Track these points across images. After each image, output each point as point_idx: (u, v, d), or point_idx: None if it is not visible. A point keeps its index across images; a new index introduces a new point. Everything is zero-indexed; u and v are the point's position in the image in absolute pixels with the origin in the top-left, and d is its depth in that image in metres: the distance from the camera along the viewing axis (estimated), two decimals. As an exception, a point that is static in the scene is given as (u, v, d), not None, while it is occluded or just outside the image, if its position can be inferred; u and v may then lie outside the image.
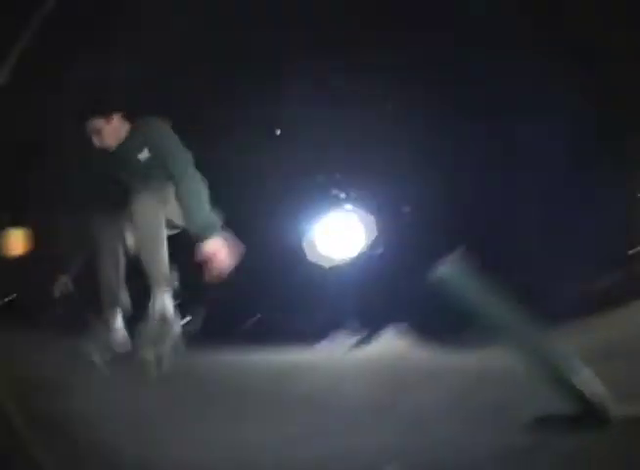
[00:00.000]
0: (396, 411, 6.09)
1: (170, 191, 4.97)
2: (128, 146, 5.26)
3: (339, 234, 6.49)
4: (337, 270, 7.01)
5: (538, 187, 9.01)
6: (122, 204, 4.93)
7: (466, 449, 4.34)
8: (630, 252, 9.89)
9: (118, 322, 5.03)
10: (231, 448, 4.73)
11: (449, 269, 4.76)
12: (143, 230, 4.90)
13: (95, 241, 5.08)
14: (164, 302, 4.89)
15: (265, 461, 4.55)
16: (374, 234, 6.16)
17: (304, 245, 6.33)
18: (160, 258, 4.94)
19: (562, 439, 4.21)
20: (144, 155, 5.14)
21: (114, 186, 5.12)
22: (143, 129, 5.19)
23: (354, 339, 16.47)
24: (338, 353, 15.21)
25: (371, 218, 6.47)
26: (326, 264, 6.73)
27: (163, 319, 4.84)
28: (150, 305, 4.83)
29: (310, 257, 6.41)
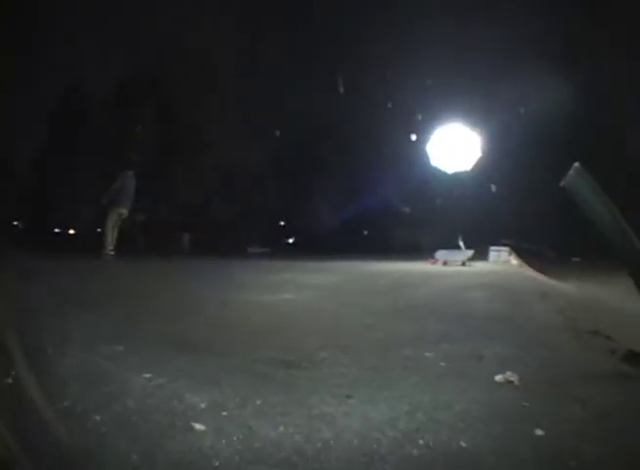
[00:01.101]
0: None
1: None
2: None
3: (456, 146, 6.98)
4: (456, 177, 7.85)
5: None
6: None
7: (579, 365, 5.67)
8: None
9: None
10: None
11: (576, 177, 5.99)
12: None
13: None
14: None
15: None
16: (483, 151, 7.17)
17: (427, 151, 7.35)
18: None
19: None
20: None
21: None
22: None
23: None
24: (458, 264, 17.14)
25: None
26: (447, 170, 7.24)
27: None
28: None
29: (433, 161, 7.35)
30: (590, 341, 6.90)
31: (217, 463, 3.13)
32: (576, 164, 5.93)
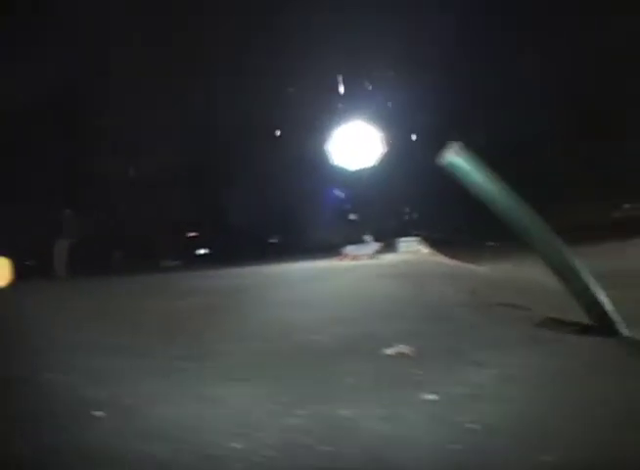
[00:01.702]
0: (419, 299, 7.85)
1: None
2: None
3: (358, 143, 7.09)
4: (359, 174, 7.88)
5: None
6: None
7: (484, 334, 5.76)
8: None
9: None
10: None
11: (455, 154, 6.13)
12: None
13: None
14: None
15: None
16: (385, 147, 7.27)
17: (328, 150, 7.43)
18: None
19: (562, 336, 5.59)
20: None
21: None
22: None
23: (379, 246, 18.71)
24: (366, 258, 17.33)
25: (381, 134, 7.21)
26: (349, 168, 7.33)
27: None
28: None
29: (335, 161, 7.43)
30: (501, 313, 7.04)
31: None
32: (454, 143, 6.12)
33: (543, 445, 3.03)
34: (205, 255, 44.76)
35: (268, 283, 12.20)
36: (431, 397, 3.82)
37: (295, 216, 34.90)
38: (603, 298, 5.75)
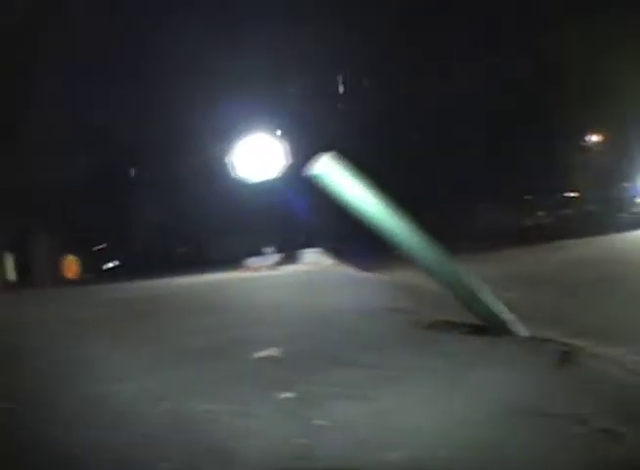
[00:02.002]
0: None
1: None
2: None
3: (260, 155, 7.15)
4: (260, 187, 7.94)
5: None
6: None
7: (368, 338, 6.00)
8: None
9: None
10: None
11: (324, 165, 6.30)
12: None
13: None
14: None
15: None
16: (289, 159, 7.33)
17: (229, 162, 7.48)
18: None
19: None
20: None
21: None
22: None
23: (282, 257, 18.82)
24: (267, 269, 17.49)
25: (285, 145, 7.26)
26: (250, 180, 7.42)
27: None
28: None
29: (235, 173, 7.50)
30: (392, 318, 7.29)
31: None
32: (326, 153, 6.21)
33: (394, 442, 3.16)
34: (114, 268, 44.06)
35: (168, 294, 12.39)
36: (288, 395, 3.98)
37: (202, 228, 34.89)
38: (491, 300, 6.04)
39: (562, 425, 3.34)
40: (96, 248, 42.74)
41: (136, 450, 3.26)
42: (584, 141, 48.46)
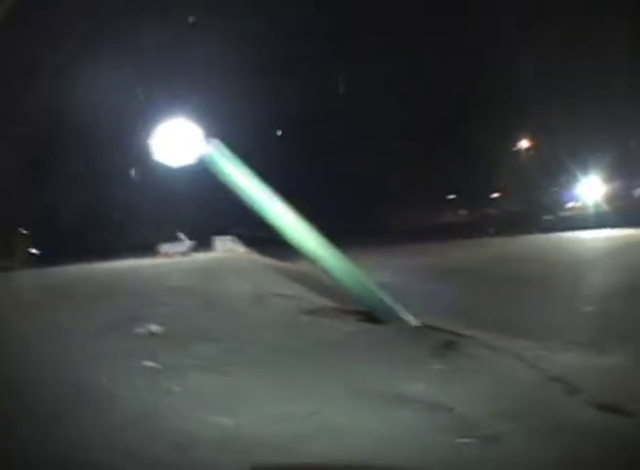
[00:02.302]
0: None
1: None
2: None
3: (179, 140, 7.26)
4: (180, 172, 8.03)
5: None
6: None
7: (245, 320, 6.50)
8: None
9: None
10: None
11: (212, 149, 6.57)
12: None
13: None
14: None
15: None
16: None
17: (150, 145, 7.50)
18: None
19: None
20: None
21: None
22: None
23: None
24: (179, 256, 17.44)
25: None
26: (171, 164, 7.57)
27: None
28: None
29: (156, 156, 7.56)
30: (277, 302, 7.79)
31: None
32: (213, 139, 6.80)
33: (231, 410, 3.74)
34: (35, 254, 42.83)
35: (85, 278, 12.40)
36: (151, 364, 4.56)
37: (122, 213, 34.49)
38: (379, 291, 6.53)
39: (419, 412, 3.73)
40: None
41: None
42: (515, 146, 49.51)
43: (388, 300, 6.52)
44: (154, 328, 5.73)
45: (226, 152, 6.77)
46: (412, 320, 6.40)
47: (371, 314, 6.50)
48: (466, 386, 4.28)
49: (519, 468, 3.17)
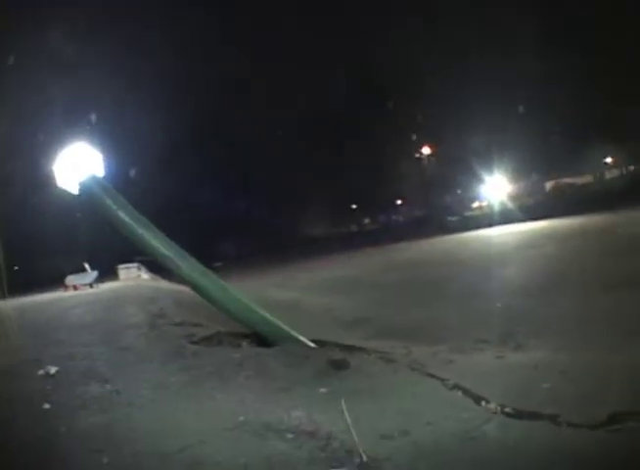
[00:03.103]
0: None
1: None
2: None
3: (79, 166, 7.11)
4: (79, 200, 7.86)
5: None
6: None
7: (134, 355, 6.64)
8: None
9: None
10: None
11: (89, 185, 6.49)
12: None
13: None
14: None
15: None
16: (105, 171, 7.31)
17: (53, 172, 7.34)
18: None
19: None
20: None
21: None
22: None
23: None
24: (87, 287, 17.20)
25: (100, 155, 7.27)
26: (73, 192, 7.39)
27: None
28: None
29: (59, 183, 7.38)
30: (170, 331, 7.88)
31: None
32: (91, 174, 6.58)
33: (102, 445, 3.83)
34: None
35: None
36: (47, 406, 4.67)
37: (27, 244, 33.57)
38: (266, 314, 6.61)
39: (295, 442, 3.76)
40: None
41: None
42: (419, 153, 50.59)
43: (278, 322, 6.62)
44: (51, 370, 5.73)
45: (102, 183, 6.83)
46: (304, 340, 6.48)
47: (261, 337, 6.59)
48: (351, 408, 4.28)
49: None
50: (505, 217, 30.90)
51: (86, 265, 22.51)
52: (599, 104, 33.14)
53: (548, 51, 30.78)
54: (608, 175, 48.42)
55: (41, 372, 5.73)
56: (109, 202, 6.54)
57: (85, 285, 20.08)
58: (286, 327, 6.61)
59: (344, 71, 39.10)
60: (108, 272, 22.42)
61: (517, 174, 42.66)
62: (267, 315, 6.66)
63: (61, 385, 5.24)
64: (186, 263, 6.66)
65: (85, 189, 6.65)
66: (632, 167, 45.97)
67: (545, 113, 33.74)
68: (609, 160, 48.36)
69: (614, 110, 32.99)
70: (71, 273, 21.87)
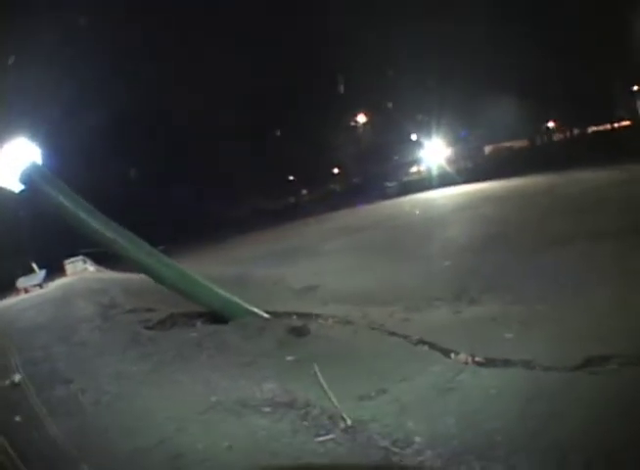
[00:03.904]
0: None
1: None
2: None
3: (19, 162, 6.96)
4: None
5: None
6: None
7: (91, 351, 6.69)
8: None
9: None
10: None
11: (29, 170, 6.37)
12: None
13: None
14: None
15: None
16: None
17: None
18: None
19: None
20: None
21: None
22: None
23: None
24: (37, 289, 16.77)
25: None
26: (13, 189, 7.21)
27: None
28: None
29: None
30: (125, 319, 7.88)
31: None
32: (30, 163, 6.45)
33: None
34: None
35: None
36: (17, 419, 4.54)
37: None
38: (218, 289, 6.66)
39: (274, 415, 3.75)
40: None
41: None
42: (354, 121, 50.53)
43: (229, 295, 6.68)
44: (16, 378, 5.62)
45: (43, 170, 6.72)
46: (258, 312, 6.54)
47: (216, 315, 6.62)
48: (322, 373, 4.31)
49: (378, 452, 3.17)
50: (443, 181, 31.24)
51: (34, 265, 21.97)
52: (543, 69, 33.36)
53: (489, 15, 30.76)
54: (554, 138, 49.29)
55: (7, 383, 5.59)
56: (50, 189, 6.46)
57: (35, 286, 19.64)
58: (237, 299, 6.65)
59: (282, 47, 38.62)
60: (55, 269, 21.89)
61: (455, 138, 43.03)
62: (218, 290, 6.69)
63: (27, 393, 5.11)
64: (132, 245, 6.63)
65: (26, 178, 6.44)
66: (577, 131, 46.83)
67: (487, 76, 33.85)
68: (551, 124, 49.23)
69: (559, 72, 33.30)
70: (22, 275, 21.33)
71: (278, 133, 43.95)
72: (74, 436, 4.03)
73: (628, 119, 39.82)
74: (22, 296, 18.45)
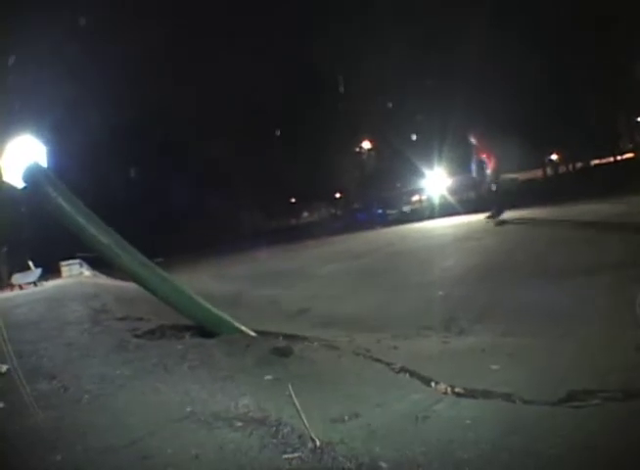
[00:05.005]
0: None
1: None
2: None
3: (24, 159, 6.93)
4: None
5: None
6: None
7: (81, 352, 6.44)
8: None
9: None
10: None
11: (32, 169, 6.37)
12: None
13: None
14: None
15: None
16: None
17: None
18: None
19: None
20: None
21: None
22: None
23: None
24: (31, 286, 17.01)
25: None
26: (18, 186, 7.20)
27: None
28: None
29: (6, 177, 7.12)
30: (111, 327, 7.87)
31: None
32: (34, 162, 6.46)
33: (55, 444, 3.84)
34: None
35: None
36: (1, 405, 4.67)
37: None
38: (206, 304, 6.62)
39: (245, 430, 3.77)
40: None
41: None
42: (359, 147, 50.87)
43: (218, 311, 6.68)
44: (3, 368, 5.68)
45: (45, 171, 6.68)
46: (245, 330, 6.55)
47: (204, 329, 6.61)
48: (298, 393, 4.29)
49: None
50: (445, 210, 31.30)
51: (30, 263, 22.17)
52: (548, 102, 33.44)
53: (493, 47, 30.99)
54: (559, 171, 49.45)
55: (-9, 371, 5.66)
56: (49, 189, 6.38)
57: (29, 283, 19.83)
58: (227, 317, 6.66)
59: (285, 66, 38.91)
60: (51, 270, 22.01)
61: (458, 169, 43.19)
62: (208, 305, 6.68)
63: (12, 382, 5.11)
64: (126, 254, 6.59)
65: (28, 176, 6.45)
66: (580, 164, 47.07)
67: (490, 109, 34.00)
68: (554, 157, 49.46)
69: (562, 106, 33.41)
70: (18, 272, 21.53)
71: (281, 155, 44.21)
72: (51, 428, 4.10)
73: (632, 151, 40.06)
74: (17, 291, 18.55)
